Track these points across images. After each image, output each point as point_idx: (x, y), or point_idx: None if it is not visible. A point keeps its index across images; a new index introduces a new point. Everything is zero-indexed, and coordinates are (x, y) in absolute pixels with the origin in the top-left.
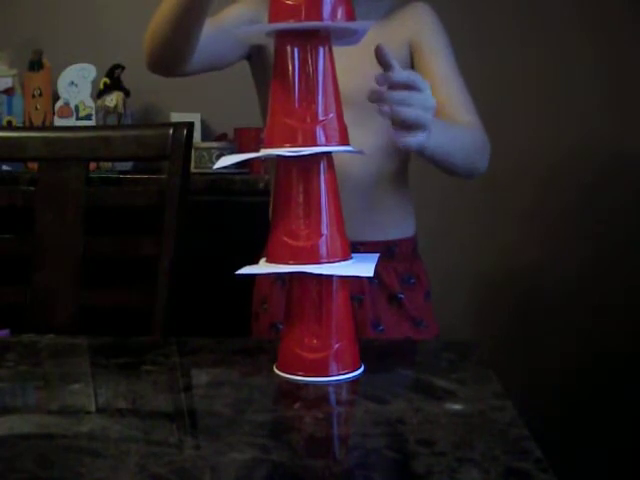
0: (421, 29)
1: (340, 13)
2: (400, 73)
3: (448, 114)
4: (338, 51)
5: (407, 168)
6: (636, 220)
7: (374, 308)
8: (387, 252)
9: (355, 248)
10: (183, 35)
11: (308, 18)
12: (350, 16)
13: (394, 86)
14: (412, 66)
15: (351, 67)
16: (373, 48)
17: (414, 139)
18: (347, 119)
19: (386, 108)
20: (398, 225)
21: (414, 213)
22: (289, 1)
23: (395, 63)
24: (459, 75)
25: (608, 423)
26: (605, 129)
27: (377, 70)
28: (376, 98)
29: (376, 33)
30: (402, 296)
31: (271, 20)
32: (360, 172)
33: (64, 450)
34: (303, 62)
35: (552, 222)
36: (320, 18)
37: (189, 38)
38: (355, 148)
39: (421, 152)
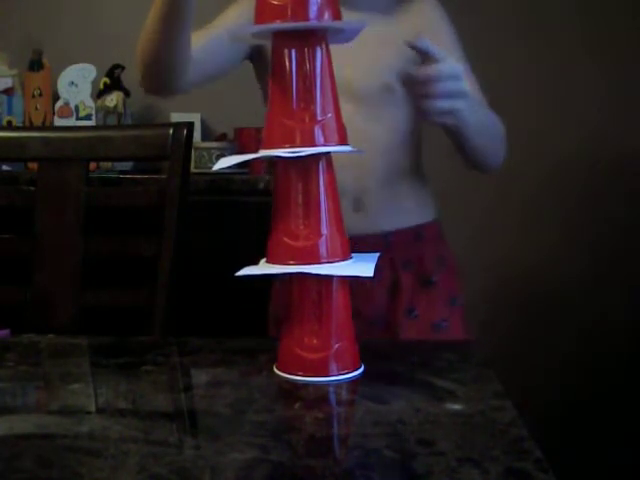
0: (429, 24)
1: (327, 13)
2: (425, 69)
3: None
4: (352, 50)
5: (421, 156)
6: (636, 220)
7: (409, 294)
8: (416, 237)
9: (385, 238)
10: (170, 48)
11: (294, 18)
12: (336, 16)
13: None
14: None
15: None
16: (385, 45)
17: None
18: (362, 115)
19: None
20: (421, 211)
21: (434, 198)
22: (275, 1)
23: (437, 52)
24: (470, 70)
25: (608, 423)
26: (605, 129)
27: (389, 67)
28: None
29: (385, 28)
30: (435, 279)
31: (256, 20)
32: (382, 164)
33: (64, 450)
34: (300, 62)
35: (552, 222)
36: (307, 18)
37: (176, 50)
38: (363, 146)
39: (451, 128)
